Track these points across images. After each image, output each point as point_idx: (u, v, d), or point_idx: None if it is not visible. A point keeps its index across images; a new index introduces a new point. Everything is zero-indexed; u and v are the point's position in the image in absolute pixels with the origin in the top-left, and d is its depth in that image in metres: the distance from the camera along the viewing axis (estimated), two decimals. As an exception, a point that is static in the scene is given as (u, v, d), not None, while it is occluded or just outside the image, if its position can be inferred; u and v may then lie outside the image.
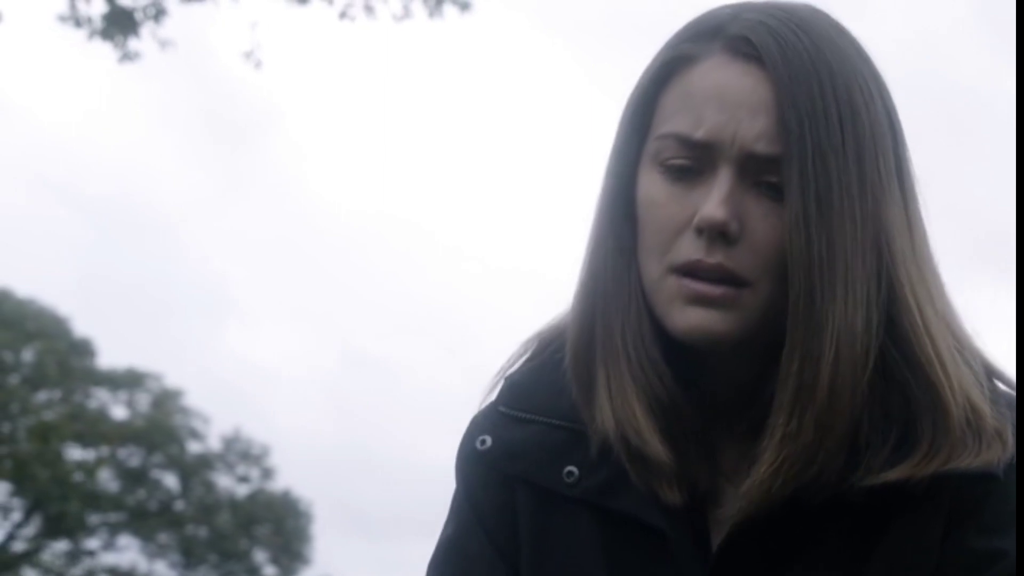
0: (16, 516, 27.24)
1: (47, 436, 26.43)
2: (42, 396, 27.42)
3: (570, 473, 1.29)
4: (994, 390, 1.27)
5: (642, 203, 1.26)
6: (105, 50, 9.31)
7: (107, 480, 27.98)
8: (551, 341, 1.37)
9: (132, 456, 28.16)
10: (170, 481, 28.61)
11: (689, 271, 1.22)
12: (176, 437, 28.40)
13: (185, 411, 28.76)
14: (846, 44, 1.26)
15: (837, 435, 1.19)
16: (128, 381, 28.00)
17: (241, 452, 29.20)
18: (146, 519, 28.06)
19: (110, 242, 42.24)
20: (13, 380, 27.13)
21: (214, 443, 29.02)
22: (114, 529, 28.09)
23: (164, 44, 9.40)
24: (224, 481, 29.08)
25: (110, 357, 29.82)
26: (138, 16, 9.28)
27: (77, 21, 9.30)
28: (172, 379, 31.25)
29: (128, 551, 28.02)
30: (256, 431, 37.62)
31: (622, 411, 1.25)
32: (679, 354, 1.27)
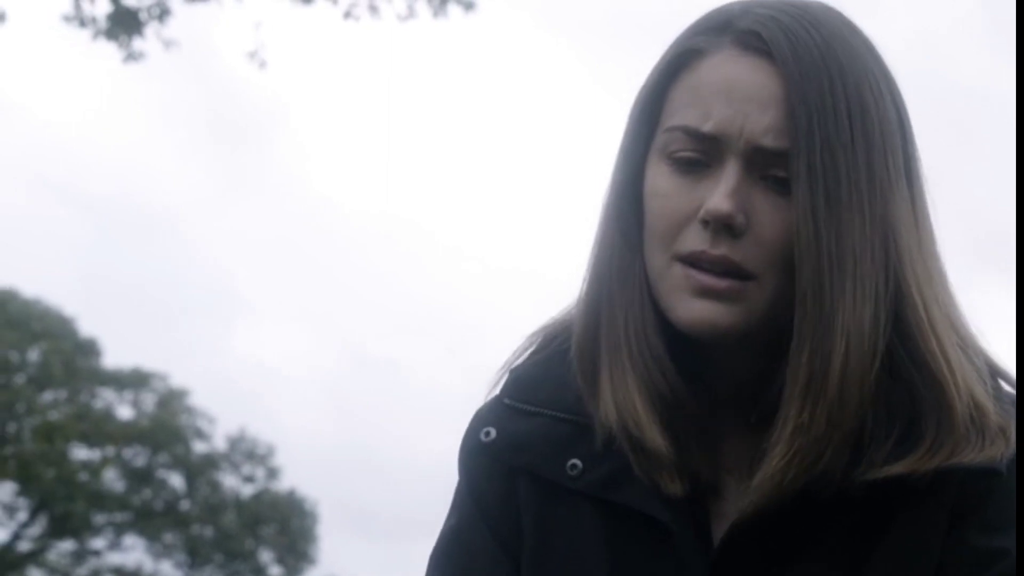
0: (22, 516, 27.30)
1: (53, 436, 26.47)
2: (48, 396, 27.46)
3: (574, 466, 1.29)
4: (998, 388, 1.27)
5: (649, 195, 1.27)
6: (109, 50, 9.33)
7: (112, 480, 28.04)
8: (556, 335, 1.37)
9: (137, 456, 28.21)
10: (175, 481, 28.68)
11: (693, 261, 1.22)
12: (181, 437, 28.44)
13: (190, 411, 28.81)
14: (858, 42, 1.26)
15: (846, 430, 1.19)
16: (133, 381, 28.04)
17: (246, 452, 29.24)
18: (152, 519, 28.09)
19: (115, 242, 42.34)
20: (19, 380, 27.18)
21: (219, 443, 29.11)
22: (120, 529, 28.14)
23: (168, 44, 9.42)
24: (229, 481, 29.15)
25: (115, 357, 29.87)
26: (142, 16, 9.29)
27: (81, 21, 9.31)
28: (177, 379, 31.39)
29: (134, 551, 28.10)
30: (261, 431, 37.66)
31: (623, 403, 1.26)
32: (683, 347, 1.27)
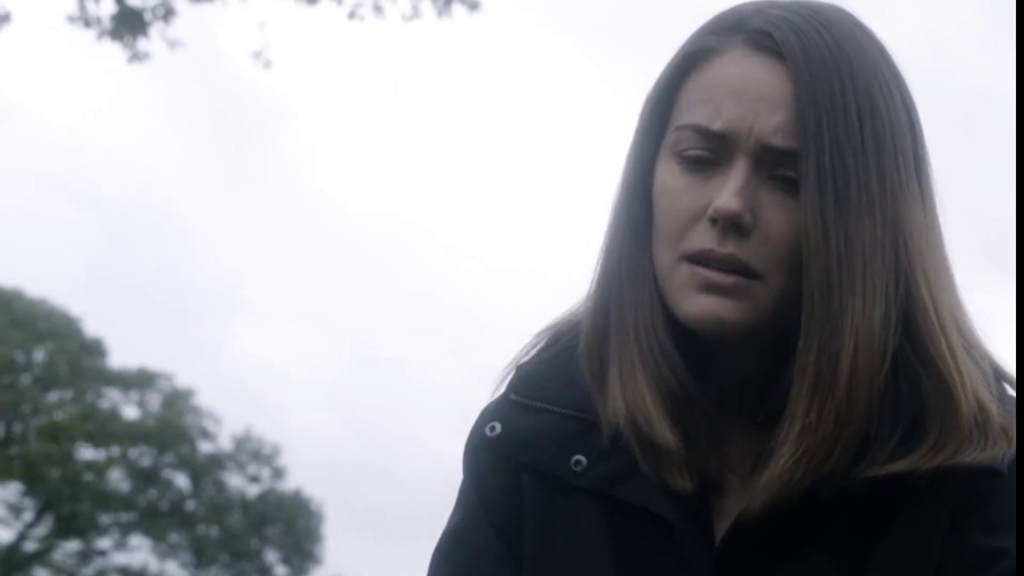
0: (28, 516, 27.34)
1: (58, 436, 26.52)
2: (53, 396, 27.51)
3: (578, 462, 1.30)
4: (1002, 390, 1.28)
5: (658, 193, 1.27)
6: (114, 50, 9.33)
7: (118, 480, 28.09)
8: (564, 334, 1.38)
9: (143, 456, 28.25)
10: (181, 481, 28.72)
11: (701, 259, 1.23)
12: (187, 437, 28.48)
13: (196, 411, 28.85)
14: (869, 44, 1.26)
15: (854, 429, 1.19)
16: (139, 381, 28.08)
17: (252, 452, 29.28)
18: (157, 519, 28.13)
19: (121, 242, 42.39)
20: (24, 380, 27.22)
21: (225, 443, 29.15)
22: (125, 529, 28.18)
23: (173, 44, 9.42)
24: (235, 481, 29.19)
25: (121, 357, 29.89)
26: (147, 16, 9.30)
27: (86, 21, 9.31)
28: (183, 379, 31.39)
29: (139, 551, 28.15)
30: (267, 431, 37.76)
31: (633, 398, 1.26)
32: (691, 345, 1.27)
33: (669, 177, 1.26)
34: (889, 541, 1.22)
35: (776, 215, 1.22)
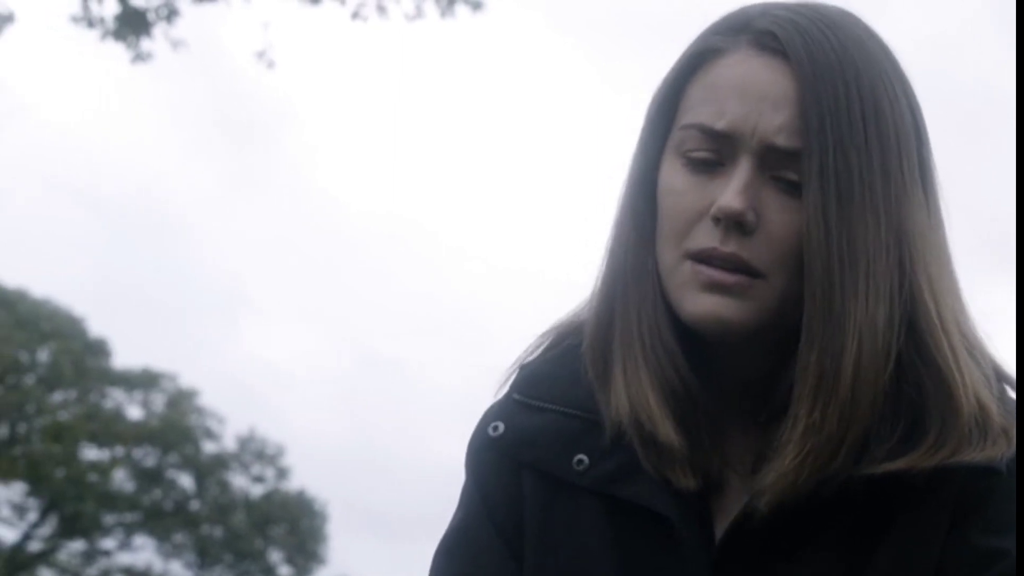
0: (32, 516, 27.36)
1: (62, 436, 26.53)
2: (57, 396, 27.52)
3: (580, 461, 1.30)
4: (1002, 391, 1.28)
5: (662, 192, 1.28)
6: (118, 51, 9.33)
7: (122, 480, 28.10)
8: (567, 333, 1.38)
9: (147, 456, 28.26)
10: (185, 481, 28.73)
11: (704, 258, 1.23)
12: (191, 437, 28.49)
13: (200, 411, 28.86)
14: (874, 46, 1.26)
15: (858, 429, 1.20)
16: (143, 381, 28.09)
17: (256, 452, 29.28)
18: (161, 519, 28.14)
19: (124, 242, 42.39)
20: (28, 380, 27.24)
21: (229, 443, 29.16)
22: (129, 529, 28.19)
23: (176, 44, 9.42)
24: (239, 481, 29.20)
25: (125, 357, 29.96)
26: (150, 16, 9.30)
27: (90, 22, 9.32)
28: (187, 379, 31.43)
29: (143, 551, 28.16)
30: (271, 431, 37.78)
31: (636, 397, 1.26)
32: (693, 344, 1.27)
33: (673, 176, 1.26)
34: (889, 541, 1.22)
35: (779, 214, 1.22)
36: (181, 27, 9.36)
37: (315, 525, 29.27)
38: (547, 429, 1.32)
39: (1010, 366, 1.31)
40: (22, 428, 27.15)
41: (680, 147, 1.26)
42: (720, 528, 1.26)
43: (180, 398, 28.54)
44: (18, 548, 27.11)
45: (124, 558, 28.15)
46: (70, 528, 27.52)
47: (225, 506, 28.68)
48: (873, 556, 1.22)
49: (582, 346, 1.33)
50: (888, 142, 1.23)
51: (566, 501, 1.30)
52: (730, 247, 1.22)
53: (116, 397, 28.09)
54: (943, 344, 1.22)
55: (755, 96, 1.23)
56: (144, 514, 28.15)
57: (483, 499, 1.35)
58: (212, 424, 28.97)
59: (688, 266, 1.24)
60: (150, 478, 28.16)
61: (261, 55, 9.95)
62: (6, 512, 27.06)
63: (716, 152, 1.24)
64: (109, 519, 27.98)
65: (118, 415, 27.88)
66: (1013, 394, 1.29)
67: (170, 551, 28.37)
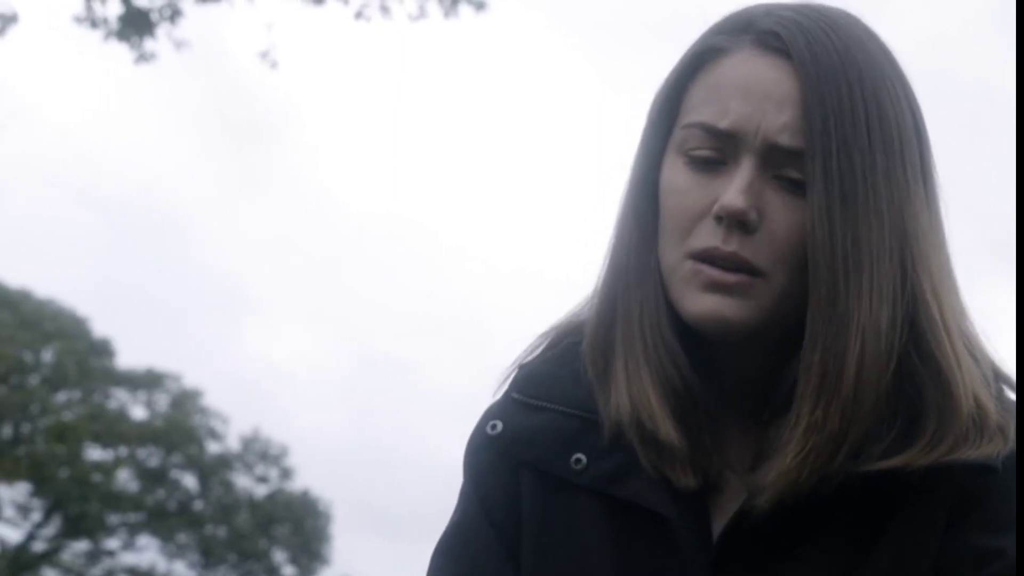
0: (36, 516, 27.38)
1: (66, 436, 26.54)
2: (61, 396, 27.54)
3: (578, 460, 1.30)
4: (1000, 391, 1.28)
5: (665, 190, 1.28)
6: (121, 51, 9.32)
7: (126, 480, 28.11)
8: (567, 333, 1.38)
9: (151, 456, 28.27)
10: (189, 481, 28.75)
11: (706, 257, 1.23)
12: (195, 437, 28.50)
13: (204, 411, 28.87)
14: (876, 48, 1.27)
15: (860, 428, 1.20)
16: (147, 381, 28.11)
17: (260, 452, 29.30)
18: (165, 519, 28.16)
19: (128, 242, 42.44)
20: (32, 381, 27.26)
21: (233, 443, 29.17)
22: (133, 529, 28.21)
23: (180, 45, 9.42)
24: (243, 481, 29.21)
25: (129, 357, 29.98)
26: (154, 17, 9.30)
27: (93, 22, 9.32)
28: (191, 379, 31.43)
29: (147, 551, 28.18)
30: (275, 431, 37.81)
31: (637, 396, 1.27)
32: (694, 343, 1.28)
33: (676, 175, 1.27)
34: (887, 539, 1.22)
35: (781, 214, 1.22)
36: (184, 27, 9.36)
37: (319, 525, 29.28)
38: (546, 428, 1.32)
39: (1010, 366, 1.31)
40: (26, 428, 27.16)
41: (682, 146, 1.26)
42: (718, 526, 1.26)
43: (184, 398, 28.55)
44: (22, 548, 27.13)
45: (128, 558, 28.20)
46: (74, 528, 27.54)
47: (229, 506, 28.69)
48: (871, 554, 1.22)
49: (582, 345, 1.33)
50: (891, 143, 1.23)
51: (565, 500, 1.30)
52: (732, 246, 1.22)
53: (120, 397, 28.12)
54: (944, 344, 1.23)
55: (759, 95, 1.23)
56: (148, 514, 28.17)
57: (481, 498, 1.35)
58: (216, 424, 29.01)
59: (689, 265, 1.24)
60: (154, 478, 28.17)
61: (264, 55, 9.95)
62: (10, 512, 27.11)
63: (719, 151, 1.24)
64: (113, 519, 28.00)
65: (122, 415, 27.89)
66: (1011, 394, 1.29)
67: (174, 551, 28.39)
